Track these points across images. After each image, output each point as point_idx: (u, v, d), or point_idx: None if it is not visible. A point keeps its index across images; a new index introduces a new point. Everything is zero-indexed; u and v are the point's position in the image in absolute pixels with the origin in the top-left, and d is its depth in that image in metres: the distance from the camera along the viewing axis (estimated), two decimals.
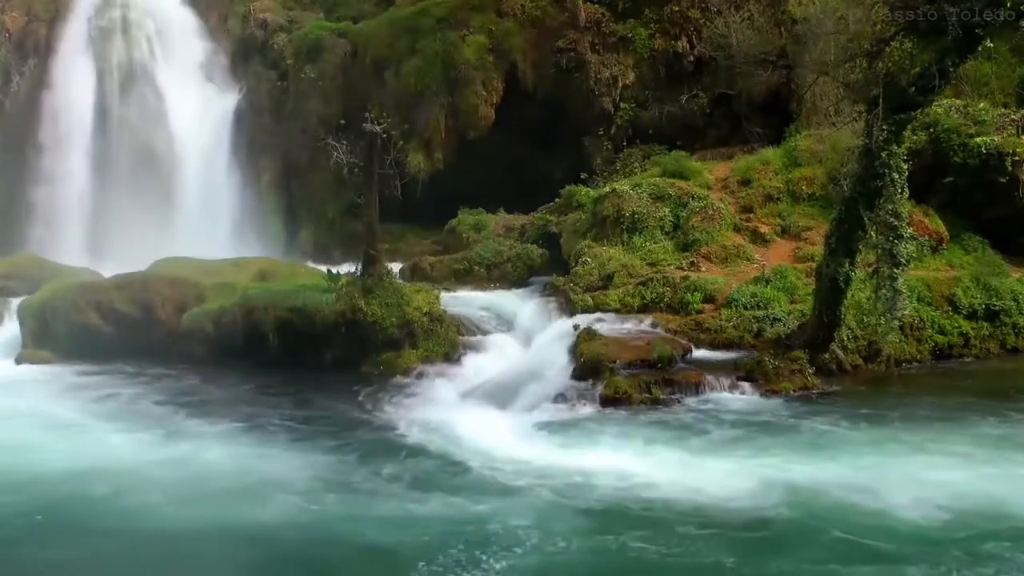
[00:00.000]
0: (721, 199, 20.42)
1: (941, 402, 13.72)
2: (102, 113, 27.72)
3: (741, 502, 10.11)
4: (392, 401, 14.33)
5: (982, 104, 20.22)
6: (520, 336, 17.12)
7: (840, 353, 15.29)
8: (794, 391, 14.29)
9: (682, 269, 18.42)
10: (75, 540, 9.54)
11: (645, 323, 16.58)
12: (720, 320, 16.54)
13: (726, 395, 14.23)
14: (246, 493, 10.61)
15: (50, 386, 15.83)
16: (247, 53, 29.49)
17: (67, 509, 10.26)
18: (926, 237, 18.18)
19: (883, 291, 14.02)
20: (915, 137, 17.09)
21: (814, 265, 15.92)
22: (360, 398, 14.57)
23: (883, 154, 13.45)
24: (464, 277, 21.20)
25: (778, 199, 20.25)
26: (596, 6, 26.46)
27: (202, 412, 13.99)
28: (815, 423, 12.86)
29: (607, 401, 13.93)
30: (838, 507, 9.91)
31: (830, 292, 14.61)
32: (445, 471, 11.30)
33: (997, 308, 16.91)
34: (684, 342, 15.75)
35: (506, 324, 17.72)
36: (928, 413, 13.07)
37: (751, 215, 20.12)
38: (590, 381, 14.42)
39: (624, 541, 9.17)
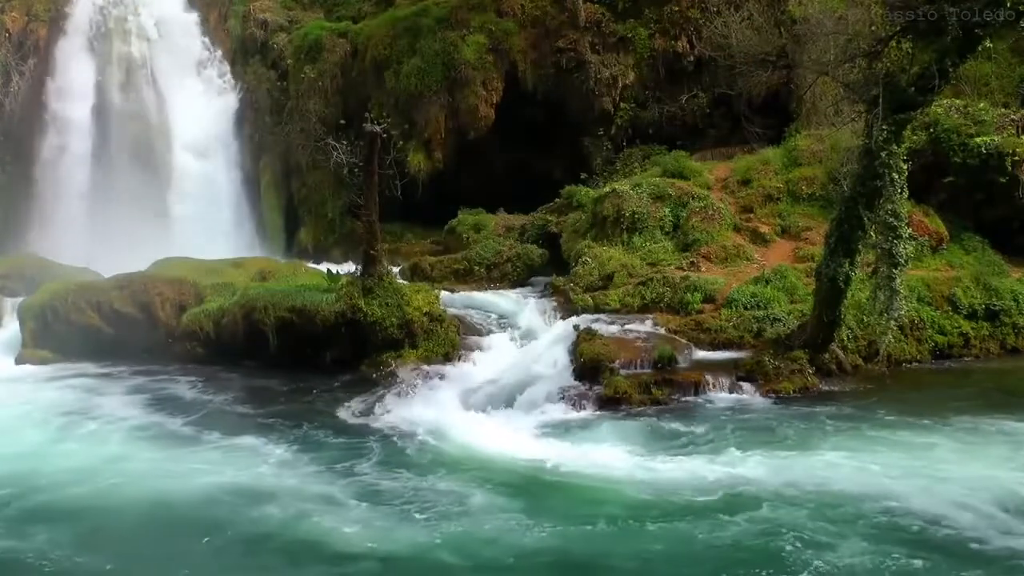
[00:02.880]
0: (721, 199, 20.44)
1: (941, 401, 13.69)
2: (102, 113, 27.74)
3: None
4: (394, 402, 14.26)
5: (982, 104, 20.24)
6: (520, 336, 17.09)
7: (840, 353, 15.29)
8: (794, 391, 14.29)
9: (682, 269, 18.42)
10: (256, 565, 9.07)
11: (645, 323, 16.57)
12: (720, 320, 16.53)
13: (726, 395, 14.23)
14: (420, 509, 10.18)
15: (98, 387, 15.70)
16: (247, 53, 29.50)
17: (234, 529, 9.70)
18: (926, 237, 18.19)
19: (881, 291, 14.03)
20: (915, 137, 17.13)
21: (814, 265, 15.92)
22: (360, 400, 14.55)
23: (883, 154, 13.45)
24: (464, 277, 21.22)
25: (778, 199, 20.26)
26: (596, 6, 26.46)
27: (287, 420, 13.61)
28: (816, 423, 12.84)
29: (607, 402, 13.91)
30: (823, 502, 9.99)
31: (830, 292, 14.61)
32: (470, 479, 11.04)
33: (997, 308, 16.90)
34: (684, 342, 15.76)
35: (506, 324, 17.71)
36: (928, 412, 13.03)
37: (751, 215, 20.13)
38: (590, 381, 14.43)
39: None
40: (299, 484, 10.94)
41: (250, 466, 11.61)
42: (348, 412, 14.02)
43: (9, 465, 11.65)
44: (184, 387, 15.73)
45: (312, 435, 12.94)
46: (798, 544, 8.97)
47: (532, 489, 10.69)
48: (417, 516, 9.99)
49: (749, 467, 11.06)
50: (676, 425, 12.90)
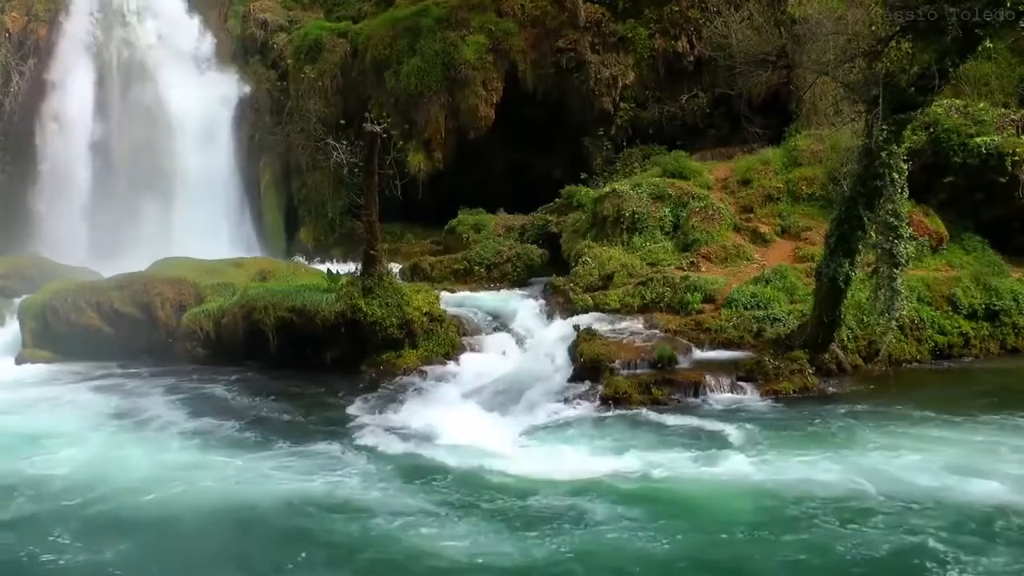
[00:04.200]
0: (721, 199, 20.44)
1: (955, 400, 13.60)
2: (102, 113, 27.75)
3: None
4: (394, 402, 14.19)
5: (982, 104, 20.24)
6: (520, 336, 17.10)
7: (840, 353, 15.28)
8: (794, 391, 14.27)
9: (682, 269, 18.42)
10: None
11: (645, 323, 16.58)
12: (720, 320, 16.52)
13: (726, 395, 14.21)
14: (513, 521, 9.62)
15: (135, 389, 15.51)
16: (247, 53, 29.53)
17: (325, 541, 9.24)
18: (926, 237, 18.19)
19: (882, 291, 14.02)
20: (915, 137, 17.11)
21: (814, 265, 15.92)
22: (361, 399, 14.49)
23: (883, 154, 13.45)
24: (464, 277, 21.22)
25: (778, 199, 20.26)
26: (596, 6, 26.48)
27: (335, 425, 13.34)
28: (846, 422, 12.76)
29: (607, 401, 13.90)
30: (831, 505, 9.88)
31: (830, 292, 14.61)
32: (479, 485, 10.68)
33: (997, 308, 16.91)
34: (684, 342, 15.74)
35: (506, 324, 17.70)
36: (952, 411, 12.93)
37: (751, 215, 20.13)
38: (590, 381, 14.42)
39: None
40: (381, 495, 10.43)
41: (322, 474, 11.19)
42: (381, 416, 13.67)
43: (76, 473, 11.22)
44: (217, 389, 15.52)
45: (366, 442, 12.48)
46: (949, 556, 8.48)
47: (627, 498, 10.16)
48: (524, 532, 9.35)
49: (823, 470, 10.74)
50: (702, 424, 12.71)
